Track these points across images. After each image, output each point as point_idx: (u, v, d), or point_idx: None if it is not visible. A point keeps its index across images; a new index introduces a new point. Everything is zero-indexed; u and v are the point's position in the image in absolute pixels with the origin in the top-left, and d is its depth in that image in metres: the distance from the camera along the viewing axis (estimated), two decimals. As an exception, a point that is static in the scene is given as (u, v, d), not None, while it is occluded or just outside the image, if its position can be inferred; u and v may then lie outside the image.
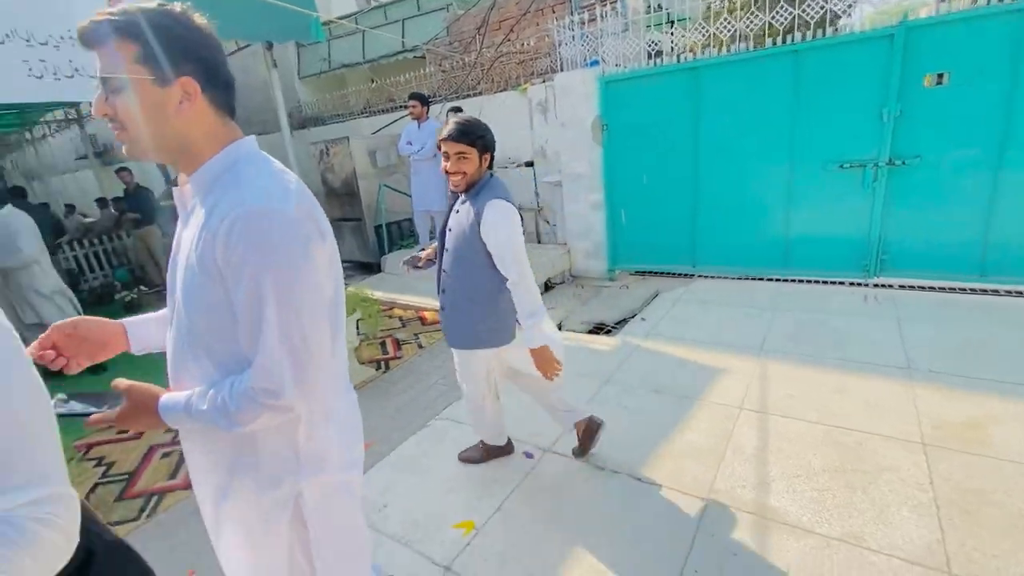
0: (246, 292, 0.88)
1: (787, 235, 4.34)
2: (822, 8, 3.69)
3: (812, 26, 3.78)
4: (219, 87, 0.95)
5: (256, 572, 1.11)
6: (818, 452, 2.27)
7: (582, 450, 2.39)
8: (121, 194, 7.59)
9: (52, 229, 6.39)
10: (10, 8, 3.48)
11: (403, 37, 7.15)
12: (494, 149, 1.92)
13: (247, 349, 0.92)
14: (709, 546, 1.85)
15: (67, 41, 3.79)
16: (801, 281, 4.39)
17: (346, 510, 1.14)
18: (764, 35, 3.98)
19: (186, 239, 0.97)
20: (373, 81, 7.53)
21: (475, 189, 1.91)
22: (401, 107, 6.98)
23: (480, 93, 6.26)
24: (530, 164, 6.01)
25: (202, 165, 0.95)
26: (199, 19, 0.92)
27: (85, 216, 10.04)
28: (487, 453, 2.47)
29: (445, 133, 1.85)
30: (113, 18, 0.85)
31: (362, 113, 7.67)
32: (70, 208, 10.12)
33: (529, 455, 2.49)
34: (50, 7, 3.62)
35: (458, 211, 1.97)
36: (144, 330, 1.18)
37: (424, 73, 6.80)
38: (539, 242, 6.13)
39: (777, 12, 3.83)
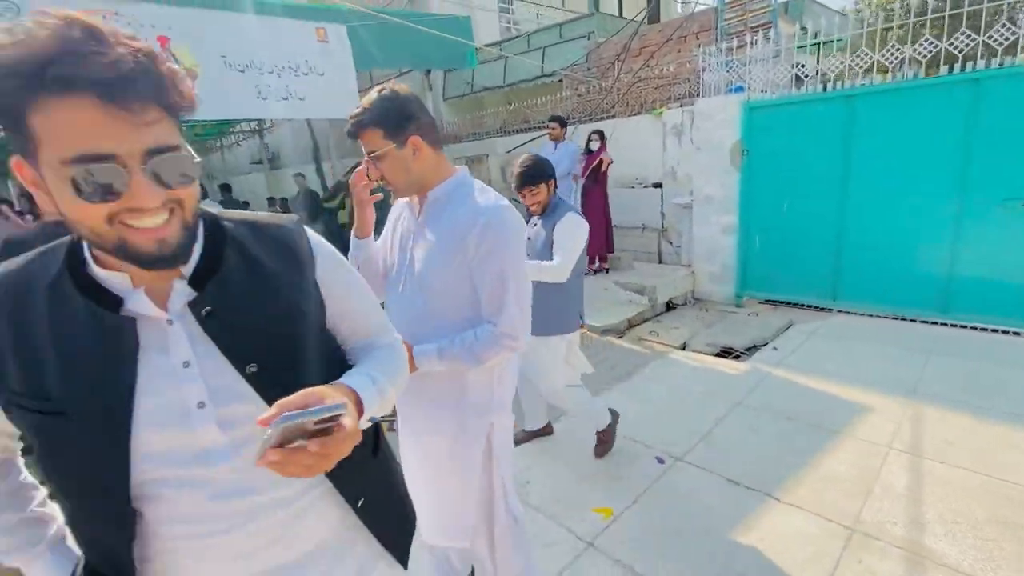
0: (495, 269, 1.24)
1: (949, 275, 3.99)
2: (1013, 34, 3.43)
3: (1000, 53, 3.51)
4: (431, 132, 1.29)
5: (453, 496, 1.43)
6: (982, 503, 2.14)
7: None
8: (288, 195, 9.02)
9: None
10: (251, 45, 4.39)
11: (543, 63, 7.65)
12: (555, 176, 2.37)
13: (488, 310, 1.28)
14: (856, 572, 1.86)
15: (286, 71, 4.66)
16: (963, 326, 4.00)
17: (511, 448, 1.50)
18: (939, 62, 3.76)
19: (426, 237, 1.33)
20: (511, 104, 8.10)
21: (548, 210, 2.39)
22: (536, 127, 7.44)
23: (614, 116, 6.51)
24: (658, 185, 6.12)
25: (435, 187, 1.31)
26: (403, 90, 1.26)
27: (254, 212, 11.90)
28: (590, 438, 2.74)
29: (517, 183, 2.32)
30: (360, 118, 1.23)
31: (497, 132, 8.27)
32: (245, 204, 12.05)
33: (661, 460, 2.61)
34: (276, 43, 4.50)
35: (535, 225, 2.46)
36: (371, 249, 1.50)
37: (560, 96, 7.20)
38: (660, 262, 6.18)
39: (955, 38, 3.61)
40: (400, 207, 1.48)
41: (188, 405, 0.65)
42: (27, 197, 5.30)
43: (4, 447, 0.72)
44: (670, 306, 5.19)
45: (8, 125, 0.54)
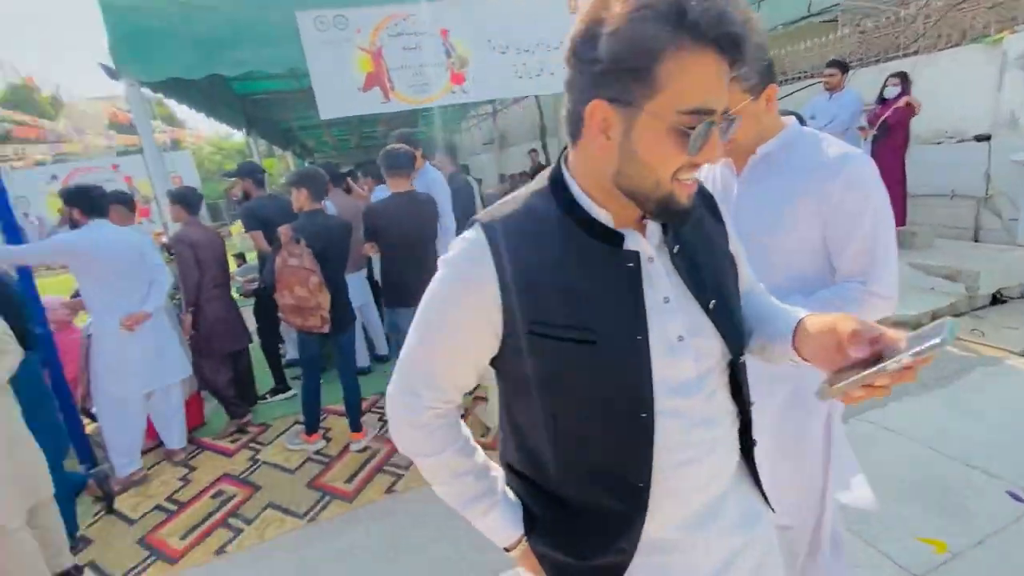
0: (863, 224, 1.11)
1: None
2: None
3: None
4: (776, 80, 1.16)
5: (785, 470, 1.29)
6: None
7: None
8: (515, 172, 9.69)
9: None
10: (510, 26, 4.66)
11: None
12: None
13: (854, 267, 1.14)
14: None
15: (540, 47, 4.84)
16: None
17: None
18: None
19: (757, 193, 1.22)
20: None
21: None
22: (795, 78, 6.38)
23: (915, 52, 5.13)
24: (983, 139, 4.66)
25: (767, 142, 1.19)
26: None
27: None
28: None
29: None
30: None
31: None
32: (478, 181, 13.42)
33: (1017, 498, 1.99)
34: (532, 21, 4.69)
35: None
36: None
37: (833, 38, 5.99)
38: (976, 239, 4.77)
39: None
40: (704, 171, 1.36)
41: (671, 338, 0.66)
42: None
43: (465, 387, 0.74)
44: (998, 299, 3.95)
45: (636, 65, 0.54)
